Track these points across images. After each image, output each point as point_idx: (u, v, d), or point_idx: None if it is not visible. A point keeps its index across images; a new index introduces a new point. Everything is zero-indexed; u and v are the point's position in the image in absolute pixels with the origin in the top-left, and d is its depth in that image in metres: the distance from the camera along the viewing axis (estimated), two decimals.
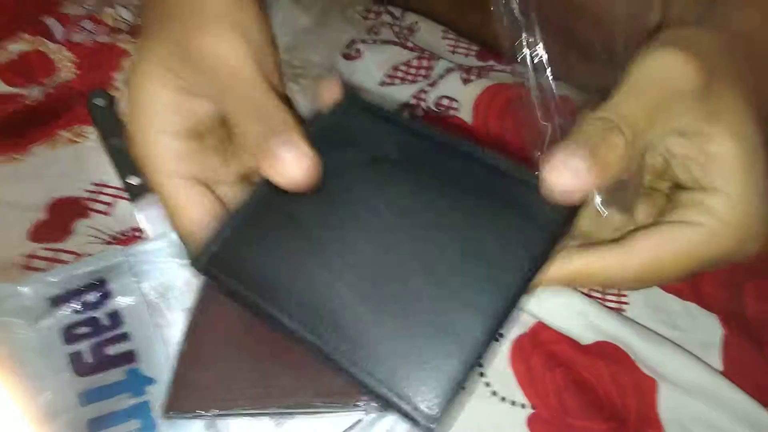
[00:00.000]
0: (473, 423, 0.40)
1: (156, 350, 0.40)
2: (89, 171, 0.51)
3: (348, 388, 0.37)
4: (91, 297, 0.41)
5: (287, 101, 0.33)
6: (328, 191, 0.30)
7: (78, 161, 0.52)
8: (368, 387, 0.26)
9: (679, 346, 0.43)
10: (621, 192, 0.31)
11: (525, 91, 0.31)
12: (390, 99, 0.59)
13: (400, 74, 0.61)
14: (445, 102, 0.58)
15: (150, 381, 0.39)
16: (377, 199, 0.30)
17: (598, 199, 0.31)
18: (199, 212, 0.33)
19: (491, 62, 0.62)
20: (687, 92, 0.28)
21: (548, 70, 0.31)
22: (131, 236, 0.48)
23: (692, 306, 0.46)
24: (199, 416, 0.37)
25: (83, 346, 0.39)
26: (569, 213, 0.28)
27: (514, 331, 0.44)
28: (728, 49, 0.31)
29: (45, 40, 0.61)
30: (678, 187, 0.32)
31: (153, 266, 0.44)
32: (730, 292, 0.46)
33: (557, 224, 0.28)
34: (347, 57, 0.63)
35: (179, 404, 0.37)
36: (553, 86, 0.31)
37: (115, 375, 0.38)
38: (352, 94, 0.35)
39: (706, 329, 0.45)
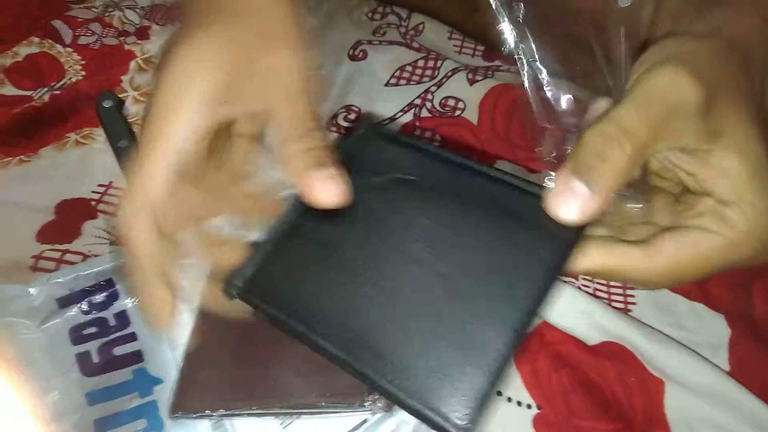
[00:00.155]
0: None
1: (163, 351, 0.40)
2: (97, 172, 0.52)
3: (353, 388, 0.37)
4: (99, 297, 0.41)
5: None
6: (353, 215, 0.32)
7: (86, 163, 0.53)
8: (401, 401, 0.27)
9: (685, 346, 0.43)
10: (631, 188, 0.32)
11: (524, 93, 0.32)
12: (396, 100, 0.59)
13: (406, 75, 0.61)
14: (451, 102, 0.58)
15: (157, 381, 0.39)
16: (400, 221, 0.31)
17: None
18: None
19: (497, 62, 0.62)
20: (690, 111, 0.29)
21: (544, 72, 0.31)
22: None
23: (699, 306, 0.46)
24: (206, 416, 0.37)
25: (90, 347, 0.39)
26: (580, 227, 0.29)
27: None
28: (727, 59, 0.31)
29: (53, 43, 0.62)
30: (687, 189, 0.32)
31: None
32: (737, 292, 0.46)
33: (570, 238, 0.29)
34: (353, 58, 0.63)
35: (186, 404, 0.37)
36: (551, 88, 0.31)
37: (122, 375, 0.39)
38: (369, 123, 0.36)
39: (713, 330, 0.44)
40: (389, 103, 0.58)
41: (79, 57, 0.61)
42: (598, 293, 0.47)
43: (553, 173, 0.30)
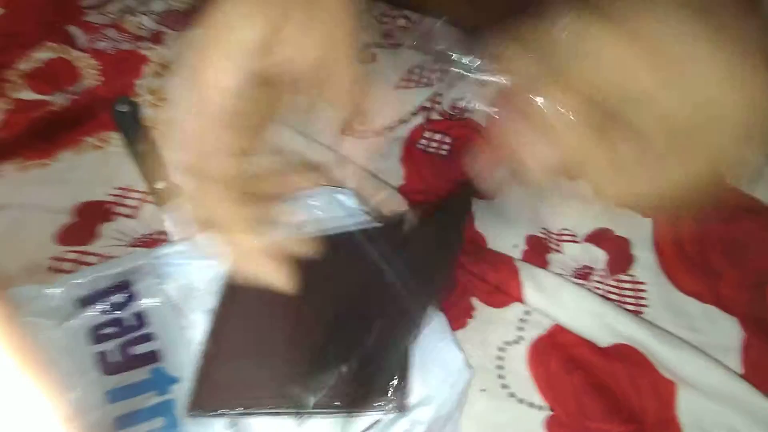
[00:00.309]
0: (491, 423, 0.40)
1: (180, 350, 0.41)
2: (114, 175, 0.53)
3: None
4: (117, 298, 0.42)
5: None
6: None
7: (103, 166, 0.53)
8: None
9: (698, 349, 0.43)
10: None
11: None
12: (406, 103, 0.59)
13: (415, 77, 0.62)
14: (462, 105, 0.59)
15: (174, 380, 0.39)
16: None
17: None
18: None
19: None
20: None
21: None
22: (155, 239, 0.49)
23: (712, 309, 0.46)
24: (222, 415, 0.38)
25: (109, 346, 0.40)
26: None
27: (532, 333, 0.44)
28: None
29: (69, 48, 0.63)
30: None
31: (176, 268, 0.45)
32: (751, 294, 0.46)
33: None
34: (362, 61, 0.63)
35: (202, 403, 0.38)
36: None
37: (140, 374, 0.39)
38: None
39: (726, 332, 0.44)
40: (399, 106, 0.59)
41: (95, 62, 0.62)
42: (610, 295, 0.47)
43: None
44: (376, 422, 0.38)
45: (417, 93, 0.60)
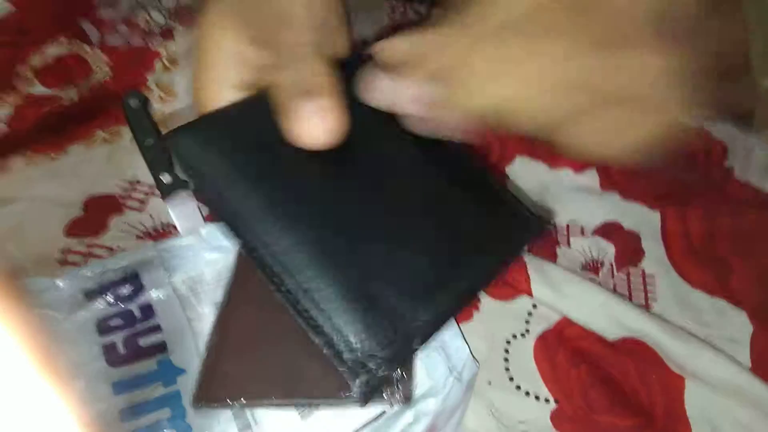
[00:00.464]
0: (496, 416, 0.40)
1: (186, 342, 0.41)
2: (123, 169, 0.53)
3: None
4: (125, 290, 0.42)
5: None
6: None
7: (112, 160, 0.54)
8: (308, 312, 0.27)
9: (707, 342, 0.42)
10: None
11: None
12: None
13: None
14: None
15: (180, 371, 0.40)
16: (370, 155, 0.31)
17: None
18: None
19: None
20: None
21: None
22: (163, 232, 0.49)
23: (721, 302, 0.45)
24: (228, 406, 0.38)
25: (116, 338, 0.40)
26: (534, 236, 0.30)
27: (539, 326, 0.44)
28: None
29: (81, 44, 0.63)
30: None
31: (184, 261, 0.45)
32: (760, 287, 0.45)
33: (517, 247, 0.30)
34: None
35: (208, 394, 0.38)
36: None
37: (147, 365, 0.40)
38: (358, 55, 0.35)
39: (735, 325, 0.44)
40: None
41: (106, 57, 0.63)
42: (619, 289, 0.46)
43: None
44: (381, 414, 0.38)
45: None
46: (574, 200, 0.51)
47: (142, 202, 0.51)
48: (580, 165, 0.52)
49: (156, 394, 0.39)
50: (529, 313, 0.45)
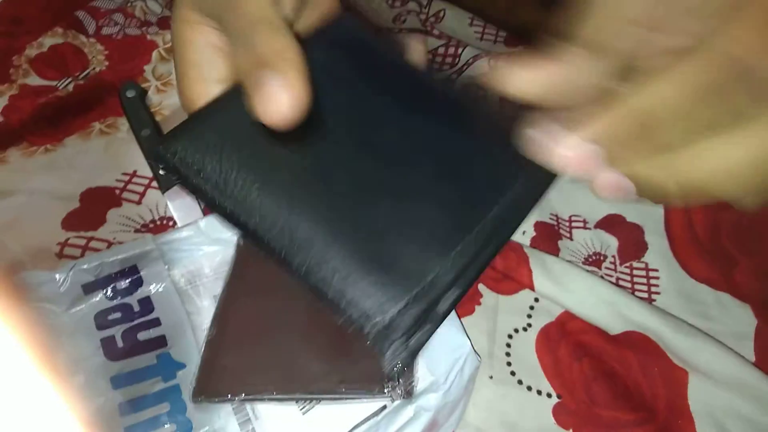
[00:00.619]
0: (498, 411, 0.40)
1: (186, 336, 0.40)
2: (121, 161, 0.53)
3: (373, 375, 0.37)
4: (123, 284, 0.42)
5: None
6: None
7: (110, 152, 0.53)
8: (316, 286, 0.25)
9: (710, 336, 0.42)
10: None
11: None
12: None
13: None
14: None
15: (180, 366, 0.39)
16: (363, 113, 0.29)
17: None
18: None
19: (519, 48, 0.62)
20: None
21: None
22: (161, 225, 0.48)
23: (725, 296, 0.45)
24: (227, 400, 0.37)
25: (115, 332, 0.40)
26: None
27: (541, 320, 0.44)
28: None
29: (77, 34, 0.62)
30: None
31: (182, 254, 0.44)
32: (763, 281, 0.45)
33: (543, 177, 0.27)
34: None
35: (208, 389, 0.38)
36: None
37: (146, 360, 0.39)
38: (346, 15, 0.33)
39: (739, 320, 0.44)
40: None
41: (102, 47, 0.62)
42: (621, 282, 0.46)
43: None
44: (382, 409, 0.38)
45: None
46: (576, 192, 0.50)
47: (140, 194, 0.50)
48: None
49: (155, 388, 0.38)
50: (531, 307, 0.44)
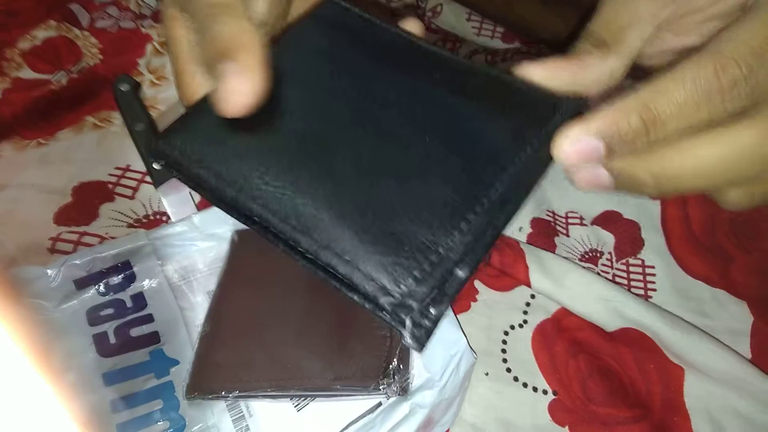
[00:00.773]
0: (493, 408, 0.40)
1: (179, 332, 0.40)
2: (114, 155, 0.52)
3: (368, 372, 0.37)
4: (115, 279, 0.41)
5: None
6: (305, 84, 0.29)
7: (103, 146, 0.53)
8: (325, 267, 0.24)
9: (706, 333, 0.42)
10: None
11: None
12: None
13: None
14: None
15: (173, 362, 0.39)
16: (361, 91, 0.29)
17: None
18: None
19: (516, 44, 0.61)
20: None
21: None
22: (155, 220, 0.48)
23: (721, 293, 0.45)
24: (221, 397, 0.37)
25: (107, 328, 0.40)
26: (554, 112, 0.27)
27: (537, 316, 0.44)
28: None
29: (71, 26, 0.62)
30: None
31: (176, 249, 0.44)
32: (760, 278, 0.45)
33: (544, 123, 0.26)
34: None
35: (201, 385, 0.37)
36: None
37: (139, 356, 0.39)
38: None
39: (736, 317, 0.44)
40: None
41: (96, 40, 0.61)
42: (618, 279, 0.46)
43: None
44: (378, 405, 0.38)
45: None
46: (573, 189, 0.50)
47: (133, 189, 0.50)
48: None
49: (148, 385, 0.38)
50: (527, 304, 0.44)
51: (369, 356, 0.38)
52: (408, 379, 0.38)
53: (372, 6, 0.66)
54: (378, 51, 0.30)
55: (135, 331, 0.40)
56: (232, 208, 0.26)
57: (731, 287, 0.45)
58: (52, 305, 0.40)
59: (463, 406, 0.40)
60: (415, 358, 0.39)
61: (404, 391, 0.37)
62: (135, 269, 0.42)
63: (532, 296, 0.44)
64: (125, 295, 0.41)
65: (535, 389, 0.41)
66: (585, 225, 0.49)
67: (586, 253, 0.47)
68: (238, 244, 0.44)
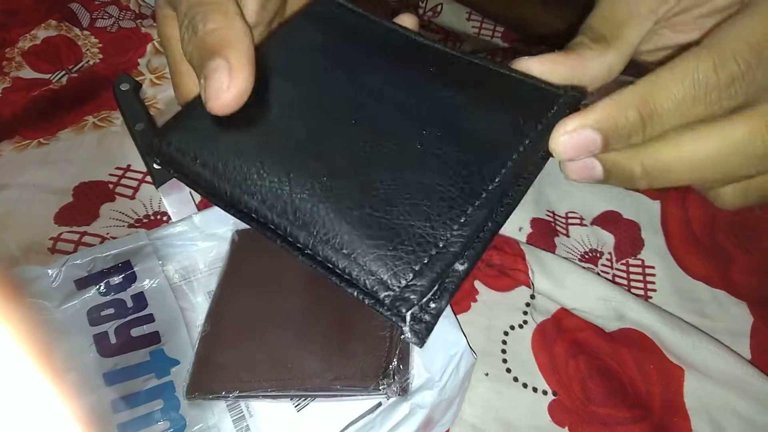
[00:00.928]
0: (493, 408, 0.40)
1: (180, 332, 0.40)
2: (115, 155, 0.52)
3: (368, 372, 0.37)
4: (116, 279, 0.41)
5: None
6: (300, 80, 0.29)
7: (103, 146, 0.53)
8: (324, 261, 0.24)
9: (706, 333, 0.42)
10: None
11: None
12: None
13: None
14: None
15: (174, 362, 0.39)
16: (357, 84, 0.28)
17: None
18: None
19: (517, 43, 0.61)
20: None
21: None
22: (155, 220, 0.48)
23: (721, 293, 0.45)
24: (221, 397, 0.37)
25: (108, 328, 0.40)
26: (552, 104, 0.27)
27: (537, 317, 0.44)
28: None
29: (71, 26, 0.62)
30: None
31: (176, 249, 0.44)
32: (760, 279, 0.45)
33: (543, 115, 0.26)
34: None
35: (202, 386, 0.37)
36: None
37: (139, 356, 0.39)
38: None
39: (736, 317, 0.44)
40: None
41: (96, 40, 0.61)
42: (618, 279, 0.46)
43: None
44: (378, 405, 0.38)
45: None
46: (573, 189, 0.50)
47: (133, 189, 0.50)
48: None
49: (148, 385, 0.38)
50: (527, 304, 0.44)
51: (369, 356, 0.38)
52: (408, 379, 0.38)
53: (372, 4, 0.66)
54: (373, 45, 0.30)
55: (135, 331, 0.40)
56: (229, 204, 0.26)
57: (731, 288, 0.45)
58: (53, 305, 0.40)
59: (463, 407, 0.40)
60: (415, 358, 0.39)
61: (404, 392, 0.37)
62: (135, 269, 0.42)
63: (532, 297, 0.45)
64: (126, 295, 0.41)
65: (535, 390, 0.41)
66: (585, 225, 0.49)
67: (586, 253, 0.47)
68: (238, 244, 0.44)
